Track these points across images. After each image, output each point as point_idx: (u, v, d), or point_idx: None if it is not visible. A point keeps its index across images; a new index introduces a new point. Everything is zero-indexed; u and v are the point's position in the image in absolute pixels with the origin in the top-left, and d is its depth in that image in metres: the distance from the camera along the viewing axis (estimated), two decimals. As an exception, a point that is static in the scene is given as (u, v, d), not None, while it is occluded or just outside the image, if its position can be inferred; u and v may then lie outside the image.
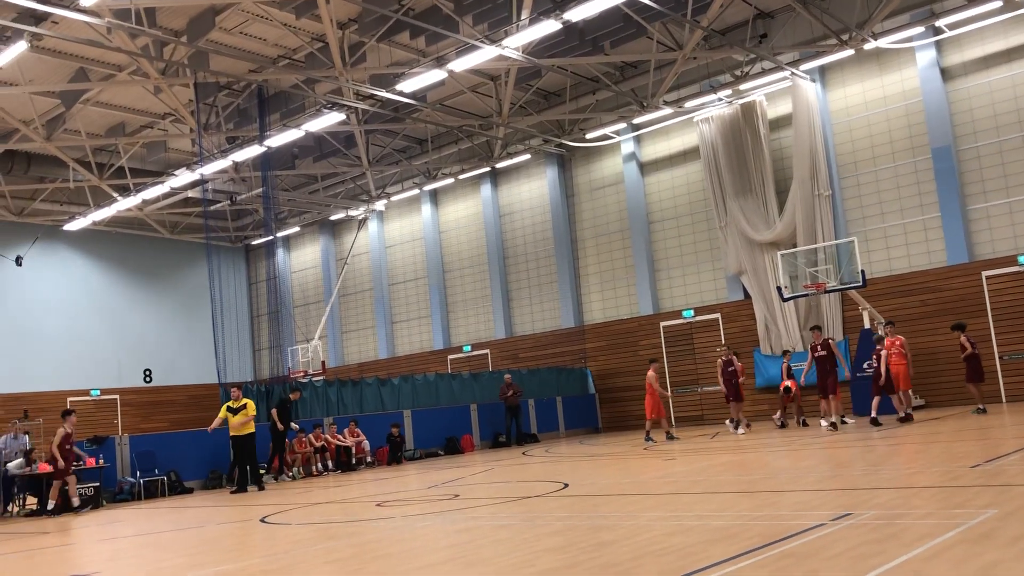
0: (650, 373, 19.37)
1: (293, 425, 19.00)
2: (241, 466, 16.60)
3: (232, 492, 16.42)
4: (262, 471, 17.47)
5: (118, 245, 33.74)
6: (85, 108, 23.69)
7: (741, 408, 19.49)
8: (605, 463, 14.85)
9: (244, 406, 16.34)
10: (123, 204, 28.18)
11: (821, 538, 5.74)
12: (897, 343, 17.04)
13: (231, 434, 16.42)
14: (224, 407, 16.58)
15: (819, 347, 16.97)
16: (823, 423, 17.54)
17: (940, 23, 20.35)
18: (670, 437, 19.00)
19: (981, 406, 17.27)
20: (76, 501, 15.20)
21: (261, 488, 16.44)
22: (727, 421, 20.11)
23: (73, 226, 30.06)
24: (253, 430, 16.39)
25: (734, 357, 19.27)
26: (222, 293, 27.31)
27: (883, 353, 16.96)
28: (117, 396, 32.64)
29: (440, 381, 24.71)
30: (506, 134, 27.10)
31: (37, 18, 17.21)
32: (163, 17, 19.34)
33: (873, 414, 16.69)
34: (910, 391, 17.51)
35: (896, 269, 22.14)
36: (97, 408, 31.89)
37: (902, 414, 16.75)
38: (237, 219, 35.97)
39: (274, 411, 18.56)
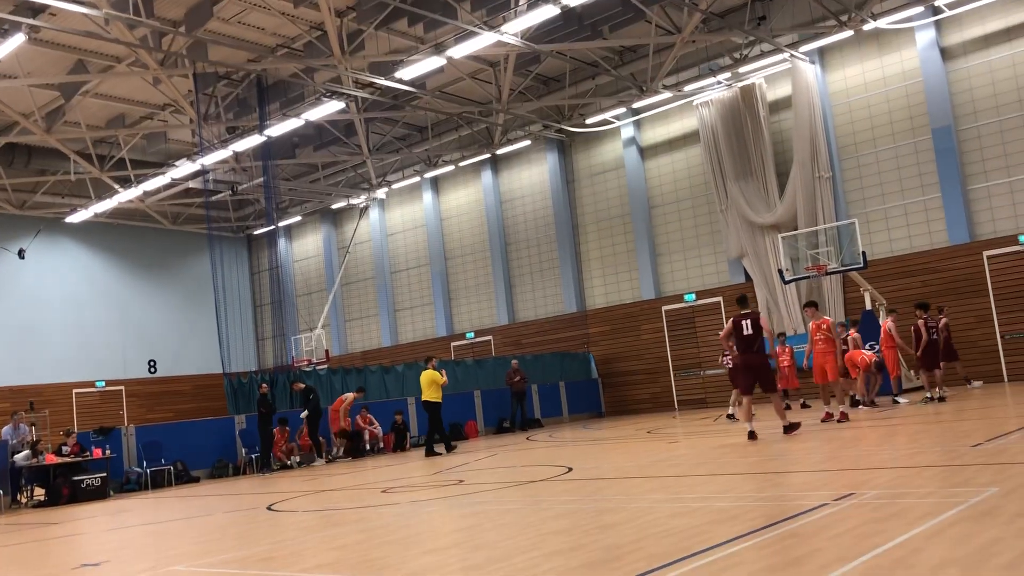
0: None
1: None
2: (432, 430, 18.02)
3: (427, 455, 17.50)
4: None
5: (120, 237, 33.78)
6: (84, 100, 23.66)
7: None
8: (608, 447, 14.92)
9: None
10: (125, 196, 28.20)
11: (824, 518, 5.79)
12: (823, 326, 14.46)
13: (436, 400, 17.82)
14: (436, 372, 17.90)
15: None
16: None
17: (939, 2, 20.26)
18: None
19: (929, 395, 15.77)
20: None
21: (448, 450, 17.87)
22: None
23: (75, 218, 30.09)
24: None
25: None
26: (225, 283, 27.44)
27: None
28: (122, 387, 32.74)
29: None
30: (506, 120, 27.06)
31: (34, 10, 17.17)
32: (161, 7, 19.30)
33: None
34: (838, 382, 14.48)
35: (897, 250, 22.14)
36: (103, 400, 32.00)
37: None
38: (239, 209, 35.98)
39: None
